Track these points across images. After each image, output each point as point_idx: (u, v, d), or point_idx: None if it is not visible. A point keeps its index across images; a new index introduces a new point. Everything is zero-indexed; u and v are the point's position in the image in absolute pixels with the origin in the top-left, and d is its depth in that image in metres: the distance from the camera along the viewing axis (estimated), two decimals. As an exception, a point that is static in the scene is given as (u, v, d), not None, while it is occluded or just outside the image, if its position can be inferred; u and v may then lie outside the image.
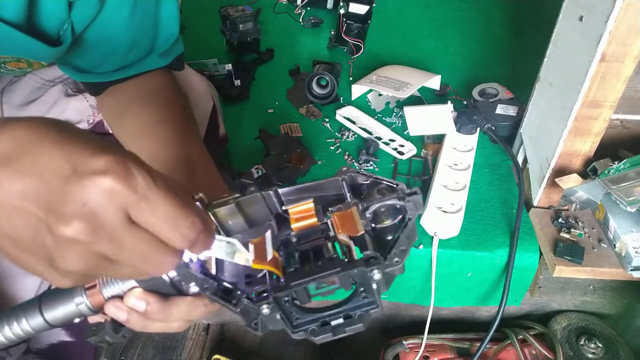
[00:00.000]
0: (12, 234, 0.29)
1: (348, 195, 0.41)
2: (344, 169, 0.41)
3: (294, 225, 0.39)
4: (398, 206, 0.39)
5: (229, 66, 1.11)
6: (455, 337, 0.94)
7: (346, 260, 0.36)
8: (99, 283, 0.43)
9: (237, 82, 1.09)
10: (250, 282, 0.39)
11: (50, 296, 0.43)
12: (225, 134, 0.91)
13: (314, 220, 0.38)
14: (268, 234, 0.39)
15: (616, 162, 0.75)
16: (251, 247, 0.38)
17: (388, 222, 0.40)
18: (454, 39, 1.33)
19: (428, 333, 0.84)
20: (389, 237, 0.39)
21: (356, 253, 0.37)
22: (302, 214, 0.39)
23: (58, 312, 0.43)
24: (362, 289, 0.36)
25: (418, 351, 0.88)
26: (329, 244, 0.39)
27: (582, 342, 0.90)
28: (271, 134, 0.93)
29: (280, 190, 0.40)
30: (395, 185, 0.40)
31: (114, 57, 0.62)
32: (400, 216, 0.39)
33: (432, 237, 0.80)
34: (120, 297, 0.43)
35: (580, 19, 0.69)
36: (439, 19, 1.42)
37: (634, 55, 0.65)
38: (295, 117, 1.05)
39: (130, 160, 0.29)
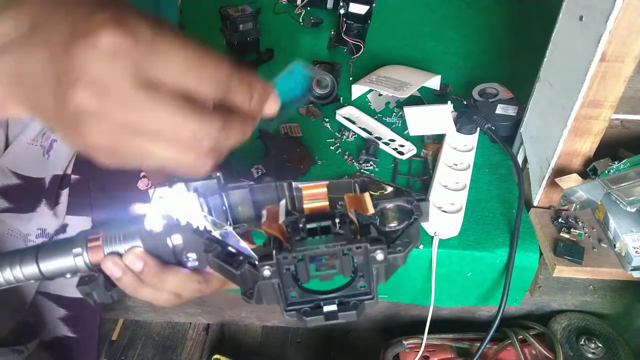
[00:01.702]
0: (45, 110, 0.27)
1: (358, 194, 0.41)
2: (357, 174, 0.42)
3: (305, 206, 0.39)
4: (407, 208, 0.40)
5: (229, 66, 1.11)
6: (455, 337, 0.94)
7: (352, 237, 0.36)
8: (102, 239, 0.42)
9: (237, 82, 1.09)
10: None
11: (49, 245, 0.42)
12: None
13: (326, 203, 0.38)
14: (283, 202, 0.39)
15: (616, 162, 0.75)
16: (264, 212, 0.38)
17: (394, 225, 0.40)
18: (454, 39, 1.33)
19: (428, 333, 0.84)
20: (394, 238, 0.40)
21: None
22: (314, 196, 0.39)
23: (54, 263, 0.42)
24: (361, 273, 0.35)
25: (418, 351, 0.88)
26: (337, 224, 0.39)
27: (582, 342, 0.90)
28: (271, 134, 0.93)
29: (293, 184, 0.41)
30: (406, 191, 0.40)
31: None
32: (407, 222, 0.40)
33: (432, 237, 0.80)
34: (119, 255, 0.42)
35: (580, 18, 0.69)
36: (439, 19, 1.42)
37: (634, 55, 0.65)
38: (295, 117, 1.05)
39: (132, 12, 0.26)
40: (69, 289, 0.75)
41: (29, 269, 0.42)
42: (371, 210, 0.37)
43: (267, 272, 0.35)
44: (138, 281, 0.41)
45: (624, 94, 0.70)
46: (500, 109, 0.96)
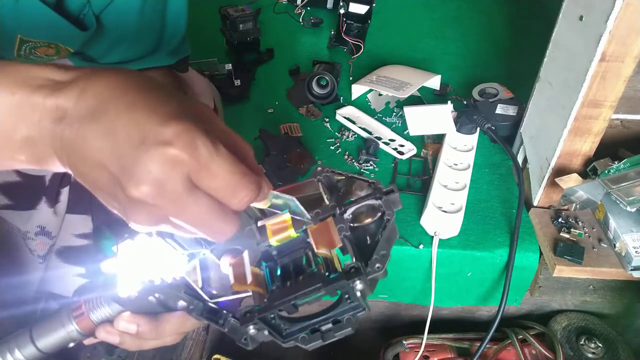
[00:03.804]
0: (94, 183, 0.33)
1: (325, 196, 0.41)
2: (319, 169, 0.41)
3: (271, 239, 0.38)
4: (376, 205, 0.40)
5: (229, 66, 1.11)
6: (455, 337, 0.94)
7: (327, 274, 0.36)
8: (85, 309, 0.44)
9: (237, 82, 1.09)
10: (236, 299, 0.39)
11: (40, 325, 0.44)
12: (226, 134, 0.91)
13: (292, 231, 0.38)
14: (246, 255, 0.39)
15: (616, 162, 0.75)
16: (230, 269, 0.38)
17: (368, 221, 0.40)
18: (454, 39, 1.33)
19: (428, 333, 0.84)
20: (371, 233, 0.39)
21: (339, 258, 0.37)
22: (279, 225, 0.38)
23: (50, 339, 0.44)
24: (346, 295, 0.36)
25: (418, 351, 0.88)
26: (310, 254, 0.39)
27: (582, 342, 0.90)
28: (271, 134, 0.93)
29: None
30: (372, 183, 0.40)
31: (120, 47, 0.63)
32: (379, 213, 0.39)
33: (432, 237, 0.80)
34: (110, 320, 0.44)
35: (580, 18, 0.69)
36: (439, 18, 1.42)
37: (634, 55, 0.65)
38: (295, 117, 1.04)
39: (195, 129, 0.30)
40: (70, 288, 0.75)
41: (28, 350, 0.44)
42: (338, 243, 0.37)
43: (252, 330, 0.36)
44: (138, 339, 0.43)
45: (624, 94, 0.70)
46: (500, 109, 0.96)
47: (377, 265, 0.36)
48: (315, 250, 0.37)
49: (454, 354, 0.91)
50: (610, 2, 0.62)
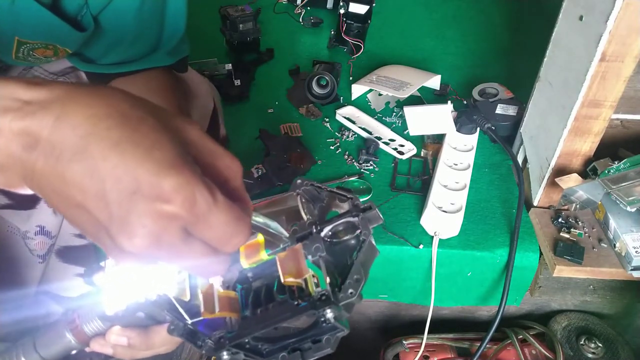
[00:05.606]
0: (70, 218, 0.30)
1: (303, 211, 0.41)
2: (298, 181, 0.41)
3: (243, 262, 0.38)
4: (355, 223, 0.39)
5: (229, 66, 1.11)
6: (455, 337, 0.94)
7: (296, 302, 0.36)
8: (78, 323, 0.46)
9: (237, 82, 1.09)
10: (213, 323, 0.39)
11: (41, 335, 0.47)
12: (226, 134, 0.91)
13: (264, 254, 0.38)
14: (216, 285, 0.39)
15: (616, 162, 0.75)
16: (200, 297, 0.38)
17: (349, 236, 0.40)
18: (454, 39, 1.33)
19: (428, 333, 0.84)
20: (352, 249, 0.39)
21: (317, 279, 0.37)
22: (251, 248, 0.38)
23: (51, 349, 0.47)
24: (322, 319, 0.35)
25: (418, 351, 0.88)
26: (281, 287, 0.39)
27: (582, 342, 0.90)
28: (271, 134, 0.93)
29: None
30: (350, 198, 0.40)
31: (119, 47, 0.63)
32: (359, 230, 0.39)
33: (432, 237, 0.80)
34: (102, 333, 0.46)
35: (580, 18, 0.69)
36: (439, 18, 1.42)
37: (634, 55, 0.65)
38: (295, 117, 1.04)
39: (194, 180, 0.29)
40: (68, 291, 0.75)
41: (32, 357, 0.46)
42: (305, 274, 0.36)
43: (226, 356, 0.36)
44: (130, 349, 0.45)
45: (624, 94, 0.70)
46: (500, 109, 0.96)
47: (350, 290, 0.35)
48: (283, 281, 0.36)
49: (454, 354, 0.91)
50: (610, 2, 0.62)
